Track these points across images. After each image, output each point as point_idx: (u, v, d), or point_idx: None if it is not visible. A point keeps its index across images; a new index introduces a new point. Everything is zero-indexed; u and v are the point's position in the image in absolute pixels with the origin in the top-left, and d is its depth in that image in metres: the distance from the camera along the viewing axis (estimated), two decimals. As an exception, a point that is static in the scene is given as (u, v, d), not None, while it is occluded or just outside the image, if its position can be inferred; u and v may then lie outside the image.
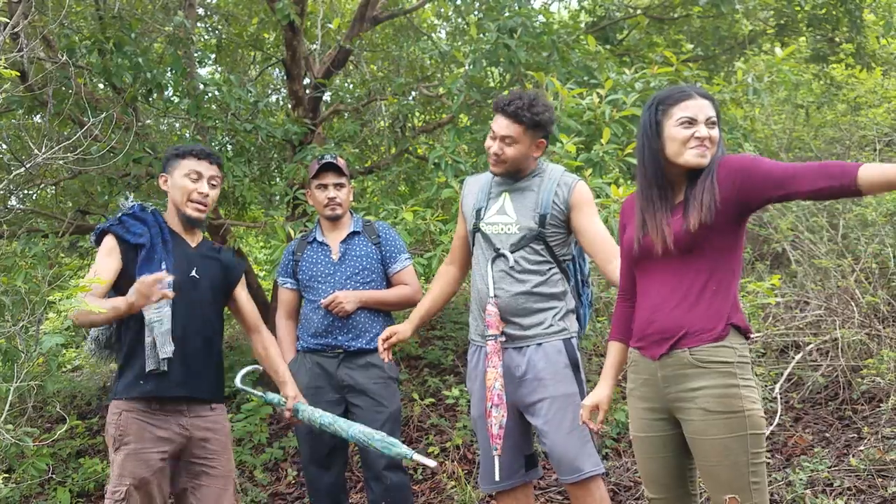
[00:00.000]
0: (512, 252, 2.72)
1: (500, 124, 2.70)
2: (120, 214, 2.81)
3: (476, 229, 2.82)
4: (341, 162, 3.33)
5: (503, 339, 2.68)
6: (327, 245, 3.32)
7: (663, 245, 2.18)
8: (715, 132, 2.19)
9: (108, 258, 2.72)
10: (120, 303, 2.58)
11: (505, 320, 2.70)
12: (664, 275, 2.23)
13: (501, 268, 2.73)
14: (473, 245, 2.86)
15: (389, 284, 3.36)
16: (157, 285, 2.51)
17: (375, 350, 3.09)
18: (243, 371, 3.17)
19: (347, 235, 3.32)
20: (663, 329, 2.20)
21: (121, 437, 2.60)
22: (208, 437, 2.78)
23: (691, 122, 2.17)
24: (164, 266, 2.68)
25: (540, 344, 2.71)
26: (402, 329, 2.96)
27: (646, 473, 2.35)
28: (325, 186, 3.28)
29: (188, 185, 2.78)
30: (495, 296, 2.70)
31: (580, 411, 2.46)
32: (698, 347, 2.15)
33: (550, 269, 2.76)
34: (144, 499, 2.61)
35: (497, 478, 2.58)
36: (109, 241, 2.75)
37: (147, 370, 2.64)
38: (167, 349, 2.65)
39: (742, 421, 2.10)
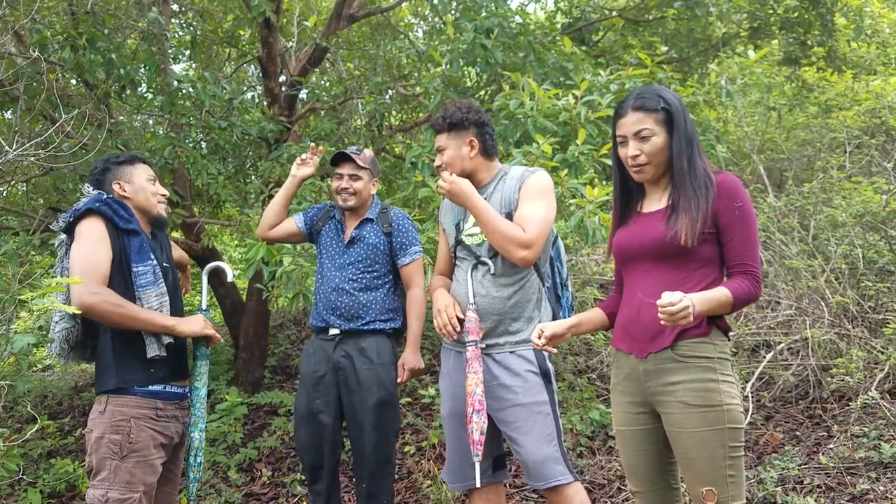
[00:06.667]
0: (491, 258, 2.75)
1: (436, 140, 2.90)
2: (105, 197, 2.64)
3: (458, 242, 2.87)
4: (366, 155, 3.31)
5: (483, 345, 2.71)
6: (343, 225, 3.33)
7: (609, 250, 2.37)
8: (646, 145, 2.24)
9: (102, 242, 2.55)
10: (161, 319, 2.62)
11: (483, 326, 2.72)
12: (648, 277, 2.27)
13: (481, 274, 2.76)
14: (456, 259, 2.92)
15: (397, 274, 3.33)
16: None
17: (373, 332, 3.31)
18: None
19: (361, 221, 3.30)
20: (651, 329, 2.22)
21: (130, 445, 2.54)
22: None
23: (623, 141, 2.30)
24: (152, 257, 2.66)
25: (512, 352, 2.73)
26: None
27: (629, 466, 2.39)
28: (341, 176, 3.27)
29: (152, 187, 2.83)
30: (475, 302, 2.72)
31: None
32: (680, 342, 2.19)
33: (527, 273, 2.78)
34: (149, 502, 2.61)
35: (478, 484, 2.62)
36: (98, 225, 2.57)
37: (149, 356, 2.59)
38: (168, 336, 2.67)
39: (720, 415, 2.12)
